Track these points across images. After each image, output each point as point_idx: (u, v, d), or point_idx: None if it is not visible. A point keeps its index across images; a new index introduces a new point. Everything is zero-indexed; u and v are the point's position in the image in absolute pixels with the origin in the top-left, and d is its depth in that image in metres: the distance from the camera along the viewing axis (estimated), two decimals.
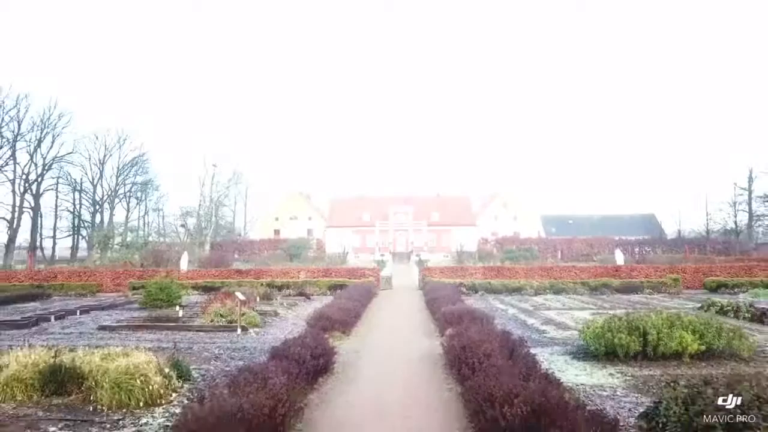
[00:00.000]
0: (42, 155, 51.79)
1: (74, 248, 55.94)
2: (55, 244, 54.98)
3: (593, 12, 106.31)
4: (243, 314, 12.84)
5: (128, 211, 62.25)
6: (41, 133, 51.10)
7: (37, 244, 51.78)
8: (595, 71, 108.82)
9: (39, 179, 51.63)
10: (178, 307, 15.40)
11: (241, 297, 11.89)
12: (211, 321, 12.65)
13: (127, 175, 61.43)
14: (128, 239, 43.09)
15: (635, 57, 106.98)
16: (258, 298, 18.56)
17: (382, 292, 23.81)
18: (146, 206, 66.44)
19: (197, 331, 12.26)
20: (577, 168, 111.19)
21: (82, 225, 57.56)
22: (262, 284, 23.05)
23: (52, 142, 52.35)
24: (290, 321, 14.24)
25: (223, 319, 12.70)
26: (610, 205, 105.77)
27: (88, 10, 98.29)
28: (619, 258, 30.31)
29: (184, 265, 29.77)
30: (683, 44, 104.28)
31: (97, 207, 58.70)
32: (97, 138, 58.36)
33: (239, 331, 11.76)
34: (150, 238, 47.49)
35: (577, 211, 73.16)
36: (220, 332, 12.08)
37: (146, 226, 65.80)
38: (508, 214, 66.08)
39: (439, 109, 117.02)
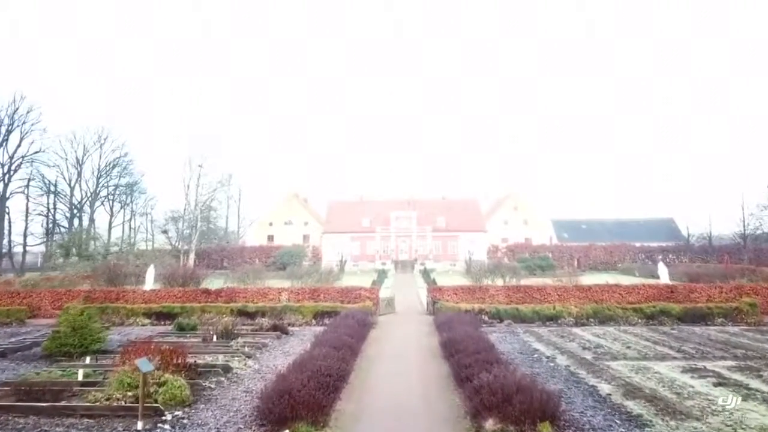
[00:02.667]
0: (9, 154, 47.26)
1: (48, 256, 51.21)
2: (25, 251, 50.16)
3: (603, 10, 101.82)
4: (164, 383, 8.25)
5: (111, 215, 57.75)
6: (7, 129, 46.62)
7: (4, 251, 47.08)
8: (597, 70, 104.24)
9: (6, 180, 46.95)
10: (88, 359, 10.80)
11: (147, 368, 7.22)
12: (108, 399, 8.00)
13: (108, 177, 56.92)
14: (86, 247, 38.17)
15: (640, 58, 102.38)
16: (215, 336, 13.95)
17: (383, 319, 19.15)
18: (132, 210, 62.00)
19: (82, 416, 7.63)
20: (581, 169, 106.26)
21: (58, 230, 52.92)
22: (232, 310, 18.53)
23: (21, 140, 47.71)
24: (243, 386, 9.54)
25: (130, 395, 8.06)
26: (620, 208, 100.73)
27: (72, 4, 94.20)
28: (663, 273, 25.10)
29: (149, 282, 24.93)
30: (692, 42, 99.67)
31: (75, 211, 54.10)
32: (75, 137, 53.98)
33: (140, 425, 7.07)
34: (115, 248, 42.51)
35: (590, 215, 68.60)
36: (116, 420, 7.46)
37: (132, 231, 61.38)
38: (519, 218, 61.20)
39: (442, 109, 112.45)
